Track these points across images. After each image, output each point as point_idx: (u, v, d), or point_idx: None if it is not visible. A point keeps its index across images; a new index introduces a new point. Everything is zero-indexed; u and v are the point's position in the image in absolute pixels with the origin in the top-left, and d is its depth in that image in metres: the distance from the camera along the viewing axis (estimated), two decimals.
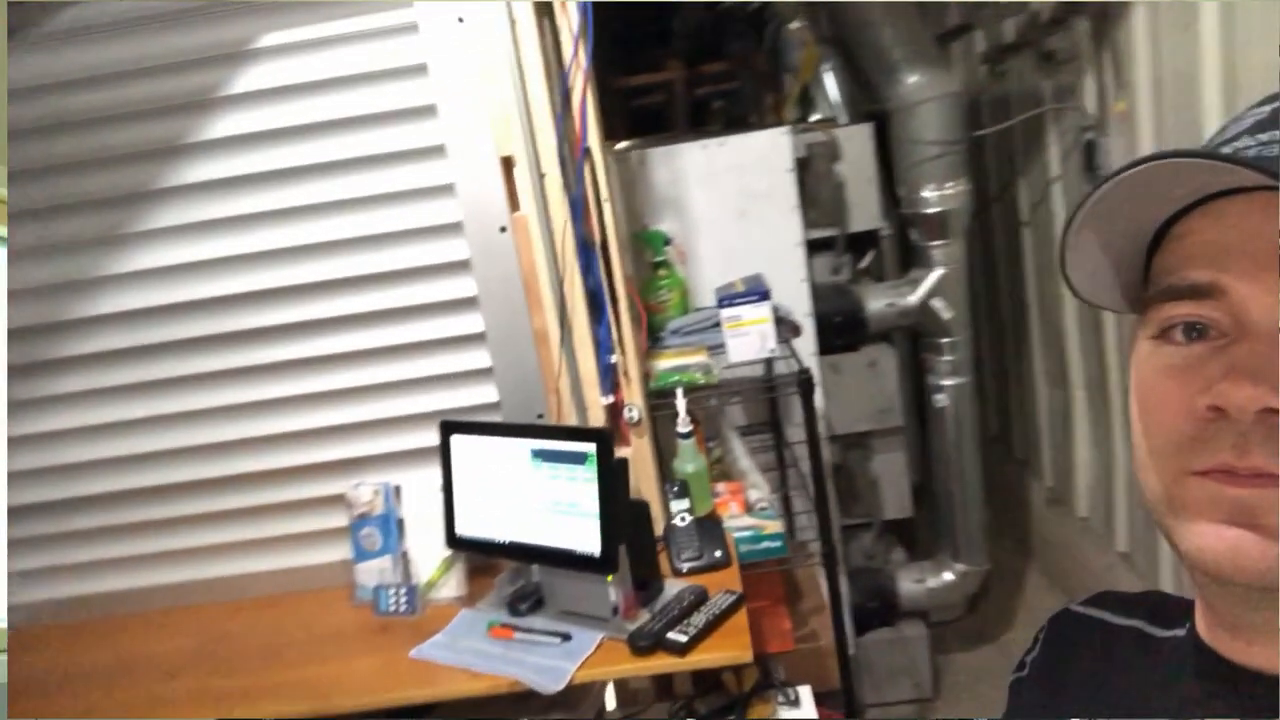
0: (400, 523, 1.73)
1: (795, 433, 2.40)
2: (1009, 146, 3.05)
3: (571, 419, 1.77)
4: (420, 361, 1.77)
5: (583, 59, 1.66)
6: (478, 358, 1.77)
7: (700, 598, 1.56)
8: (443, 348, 1.76)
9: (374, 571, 1.73)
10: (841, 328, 2.60)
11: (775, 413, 2.46)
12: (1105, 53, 2.41)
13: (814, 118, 2.84)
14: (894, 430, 2.72)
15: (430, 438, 1.68)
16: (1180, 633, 0.58)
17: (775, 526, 1.91)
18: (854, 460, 2.74)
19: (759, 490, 2.11)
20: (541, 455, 1.52)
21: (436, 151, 1.69)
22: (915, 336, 2.75)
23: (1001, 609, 3.11)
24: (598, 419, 1.78)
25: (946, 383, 2.67)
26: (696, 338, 2.14)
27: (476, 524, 1.62)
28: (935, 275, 2.59)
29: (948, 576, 2.80)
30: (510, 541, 1.58)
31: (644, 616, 1.53)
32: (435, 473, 1.67)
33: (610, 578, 1.50)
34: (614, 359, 1.77)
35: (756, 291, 2.02)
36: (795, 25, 2.90)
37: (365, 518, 1.73)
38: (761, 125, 2.75)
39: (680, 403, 1.79)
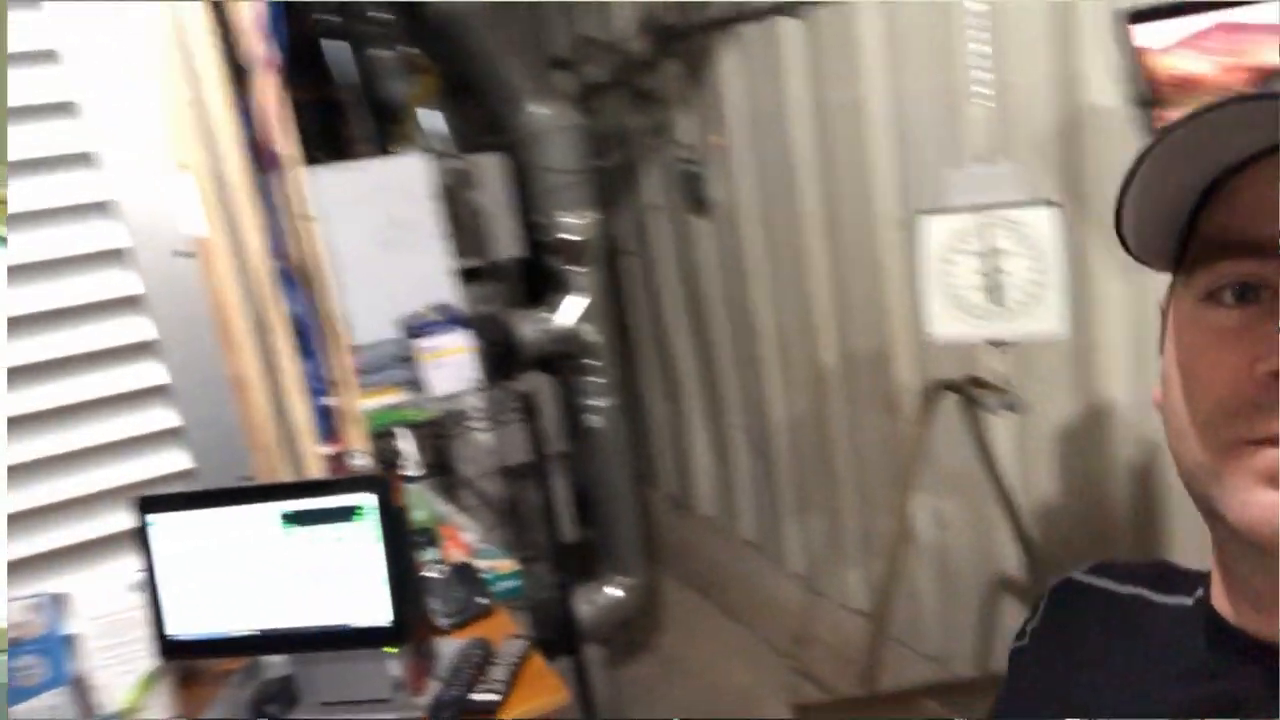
0: (71, 642, 1.29)
1: (466, 469, 2.31)
2: (617, 178, 3.24)
3: (285, 476, 1.48)
4: (85, 427, 1.34)
5: (268, 50, 1.42)
6: (161, 416, 1.39)
7: (487, 651, 1.40)
8: (114, 406, 1.36)
9: (40, 713, 1.26)
10: (496, 356, 2.54)
11: (446, 451, 2.32)
12: (699, 92, 2.70)
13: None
14: (554, 456, 2.72)
15: (105, 523, 1.28)
16: (1184, 600, 0.57)
17: (508, 565, 1.79)
18: (521, 491, 2.69)
19: (471, 531, 1.97)
20: (297, 518, 1.24)
21: (82, 160, 1.31)
22: (563, 361, 2.79)
23: (644, 617, 3.26)
24: (315, 470, 1.51)
25: (598, 404, 2.75)
26: (380, 375, 1.94)
27: (198, 621, 1.26)
28: (580, 301, 2.66)
29: (615, 593, 2.87)
30: (255, 632, 1.26)
31: (434, 686, 1.33)
32: (119, 567, 1.28)
33: (394, 649, 1.28)
34: (330, 400, 1.52)
35: (454, 319, 1.89)
36: (389, 54, 2.79)
37: (18, 644, 1.25)
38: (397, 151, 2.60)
39: (406, 443, 1.60)
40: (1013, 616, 2.12)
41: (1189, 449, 0.50)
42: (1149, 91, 1.33)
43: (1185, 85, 1.28)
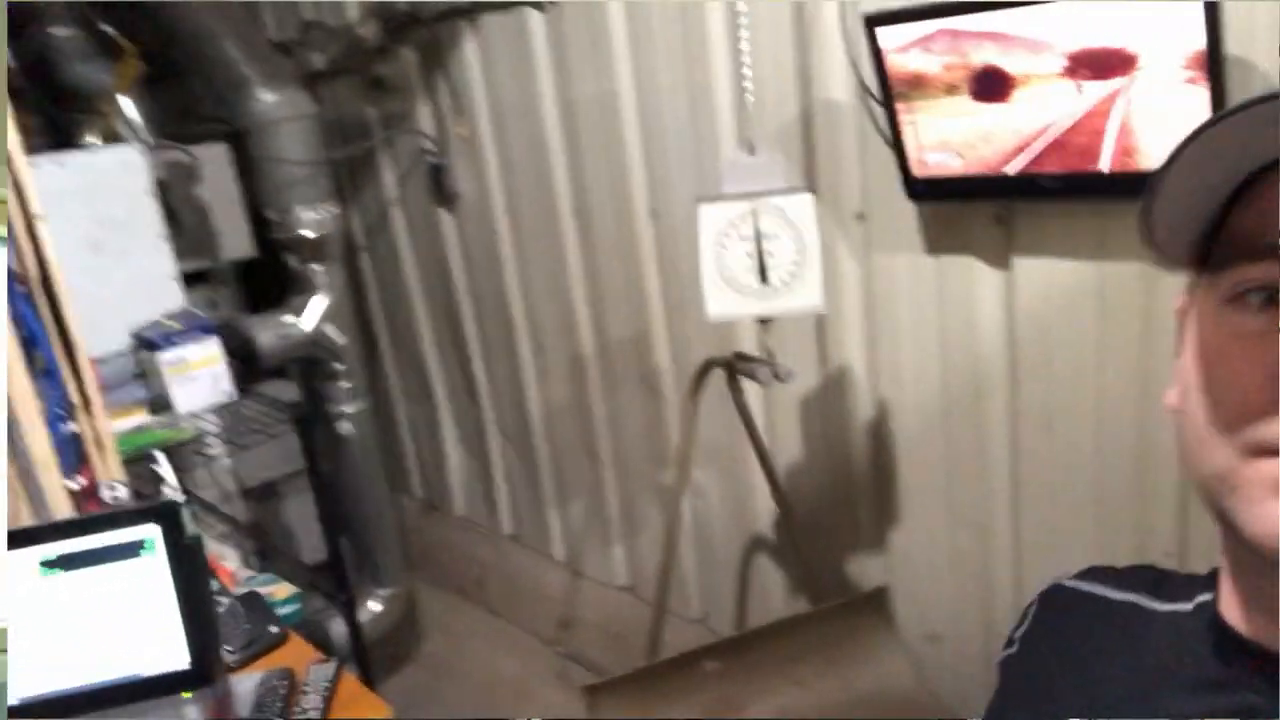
0: None
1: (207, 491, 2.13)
2: (355, 170, 3.08)
3: (26, 517, 1.28)
4: None
5: None
6: None
7: (292, 680, 1.30)
8: None
9: None
10: (234, 366, 2.35)
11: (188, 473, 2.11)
12: (440, 80, 2.65)
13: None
14: (302, 471, 2.56)
15: None
16: (1184, 607, 0.56)
17: (286, 589, 1.68)
18: (264, 513, 2.51)
19: (229, 559, 1.81)
20: (62, 563, 1.08)
21: None
22: (308, 367, 2.62)
23: (406, 627, 3.17)
24: (62, 508, 1.32)
25: (348, 409, 2.62)
26: (115, 395, 1.72)
27: None
28: (322, 301, 2.52)
29: (375, 606, 2.76)
30: (23, 701, 1.08)
31: None
32: None
33: (188, 694, 1.16)
34: (74, 427, 1.34)
35: (199, 326, 1.73)
36: (69, 32, 2.47)
37: None
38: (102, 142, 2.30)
39: (165, 468, 1.45)
40: (767, 573, 2.30)
41: (1205, 457, 0.48)
42: (887, 87, 1.50)
43: (915, 81, 1.46)
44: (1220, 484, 0.47)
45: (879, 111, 1.67)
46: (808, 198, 1.47)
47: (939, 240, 1.71)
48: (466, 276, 2.87)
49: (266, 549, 2.38)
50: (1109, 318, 1.53)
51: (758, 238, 1.49)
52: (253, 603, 1.43)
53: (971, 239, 1.66)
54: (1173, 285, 1.43)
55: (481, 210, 2.68)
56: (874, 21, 1.46)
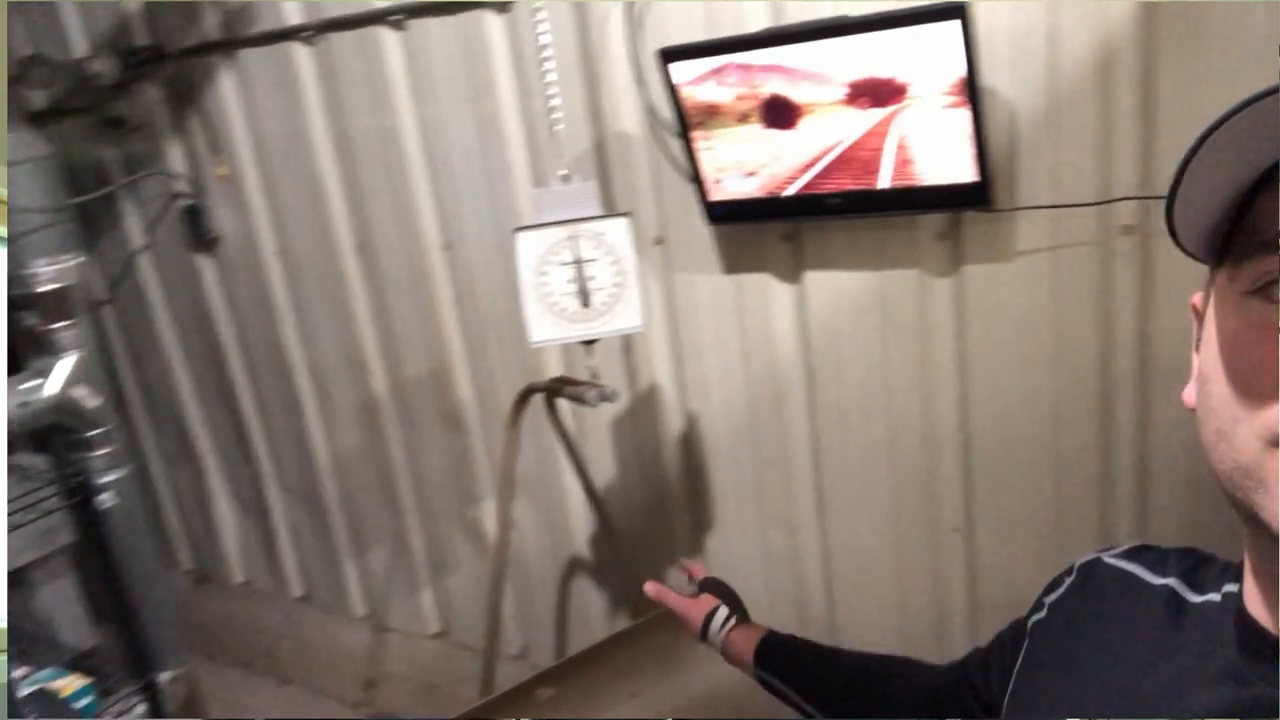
0: None
1: None
2: (98, 216, 2.78)
3: None
4: None
5: None
6: None
7: None
8: None
9: None
10: None
11: None
12: (193, 118, 2.46)
13: None
14: (60, 551, 2.26)
15: None
16: (1214, 598, 0.55)
17: (74, 682, 1.48)
18: (19, 602, 2.18)
19: None
20: None
21: None
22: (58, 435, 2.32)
23: (187, 711, 2.87)
24: None
25: (108, 479, 2.34)
26: None
27: None
28: (68, 361, 2.24)
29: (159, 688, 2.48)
30: None
31: None
32: None
33: None
34: None
35: None
36: None
37: None
38: None
39: None
40: (587, 597, 2.32)
41: (1227, 451, 0.47)
42: (682, 117, 1.59)
43: (710, 111, 1.56)
44: (1244, 478, 0.46)
45: (673, 141, 1.77)
46: (624, 222, 1.52)
47: (735, 260, 1.82)
48: (233, 324, 2.67)
49: (27, 643, 2.07)
50: (891, 322, 1.70)
51: (578, 263, 1.52)
52: (47, 701, 1.25)
53: (765, 257, 1.79)
54: (941, 289, 1.61)
55: (248, 253, 2.51)
56: (668, 56, 1.55)
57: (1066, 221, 1.49)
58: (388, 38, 2.04)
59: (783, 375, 1.85)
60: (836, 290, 1.74)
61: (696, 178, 1.65)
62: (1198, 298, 0.54)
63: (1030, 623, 0.67)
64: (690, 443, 2.02)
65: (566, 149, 1.86)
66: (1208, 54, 1.31)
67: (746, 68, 1.48)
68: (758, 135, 1.56)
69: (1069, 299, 1.53)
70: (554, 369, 2.11)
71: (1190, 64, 1.33)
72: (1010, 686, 0.66)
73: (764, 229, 1.75)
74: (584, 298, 1.52)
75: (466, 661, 2.58)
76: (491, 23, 1.90)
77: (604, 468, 2.12)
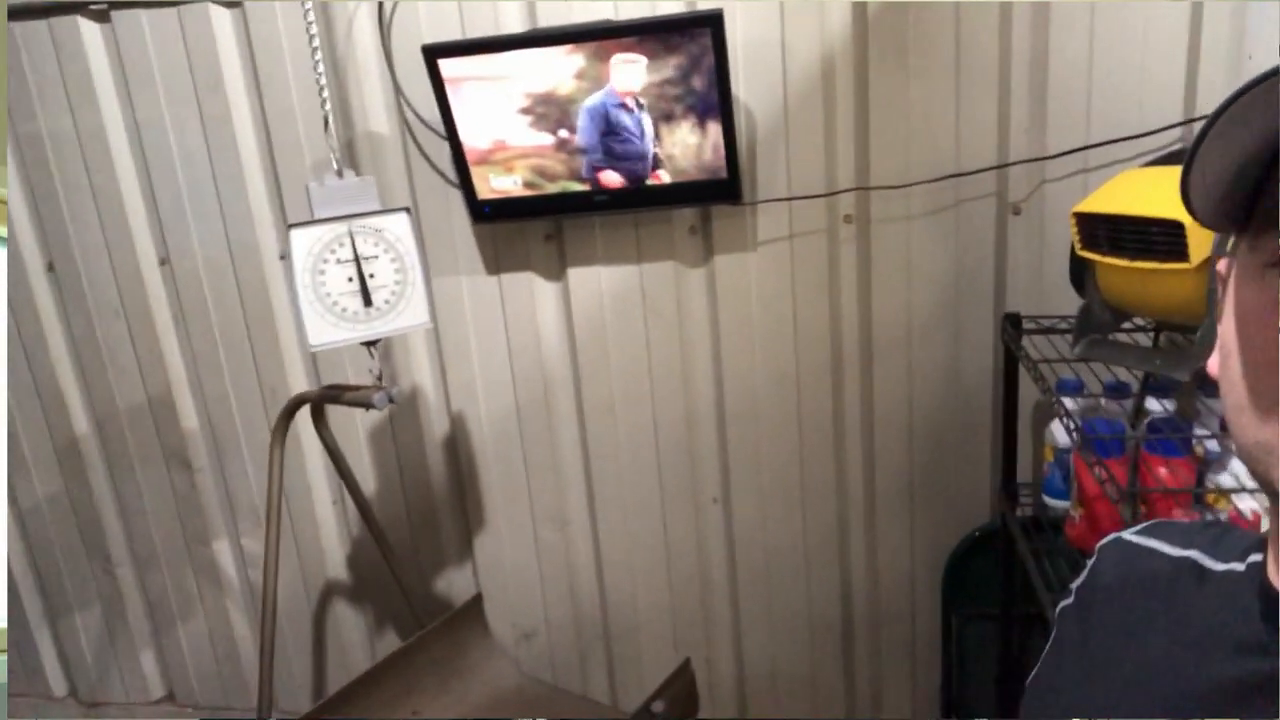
0: None
1: None
2: None
3: None
4: None
5: None
6: None
7: None
8: None
9: None
10: None
11: None
12: None
13: None
14: None
15: None
16: (1237, 567, 0.54)
17: None
18: None
19: None
20: None
21: None
22: None
23: None
24: None
25: None
26: None
27: None
28: None
29: None
30: None
31: None
32: None
33: None
34: None
35: None
36: None
37: None
38: None
39: None
40: (342, 625, 2.20)
41: (1248, 425, 0.47)
42: (449, 115, 1.60)
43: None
44: (1266, 454, 0.45)
45: (426, 140, 1.77)
46: (404, 216, 1.50)
47: (499, 260, 1.85)
48: None
49: None
50: (651, 312, 1.83)
51: (357, 260, 1.48)
52: None
53: (528, 257, 1.84)
54: (693, 278, 1.76)
55: None
56: (433, 53, 1.56)
57: (799, 212, 1.71)
58: (87, 29, 1.84)
59: (550, 372, 1.91)
60: (598, 285, 1.84)
61: (464, 176, 1.67)
62: (1223, 264, 0.52)
63: (1059, 609, 0.65)
64: (457, 446, 2.01)
65: (308, 151, 1.81)
66: (907, 65, 1.58)
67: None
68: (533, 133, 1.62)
69: (804, 280, 1.75)
70: (299, 386, 2.01)
71: (895, 75, 1.59)
72: (1033, 673, 0.64)
73: (526, 229, 1.81)
74: (365, 296, 1.48)
75: None
76: (219, 16, 1.78)
77: (365, 481, 2.04)
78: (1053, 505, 1.54)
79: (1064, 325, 1.52)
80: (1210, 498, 1.26)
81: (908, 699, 1.95)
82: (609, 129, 1.57)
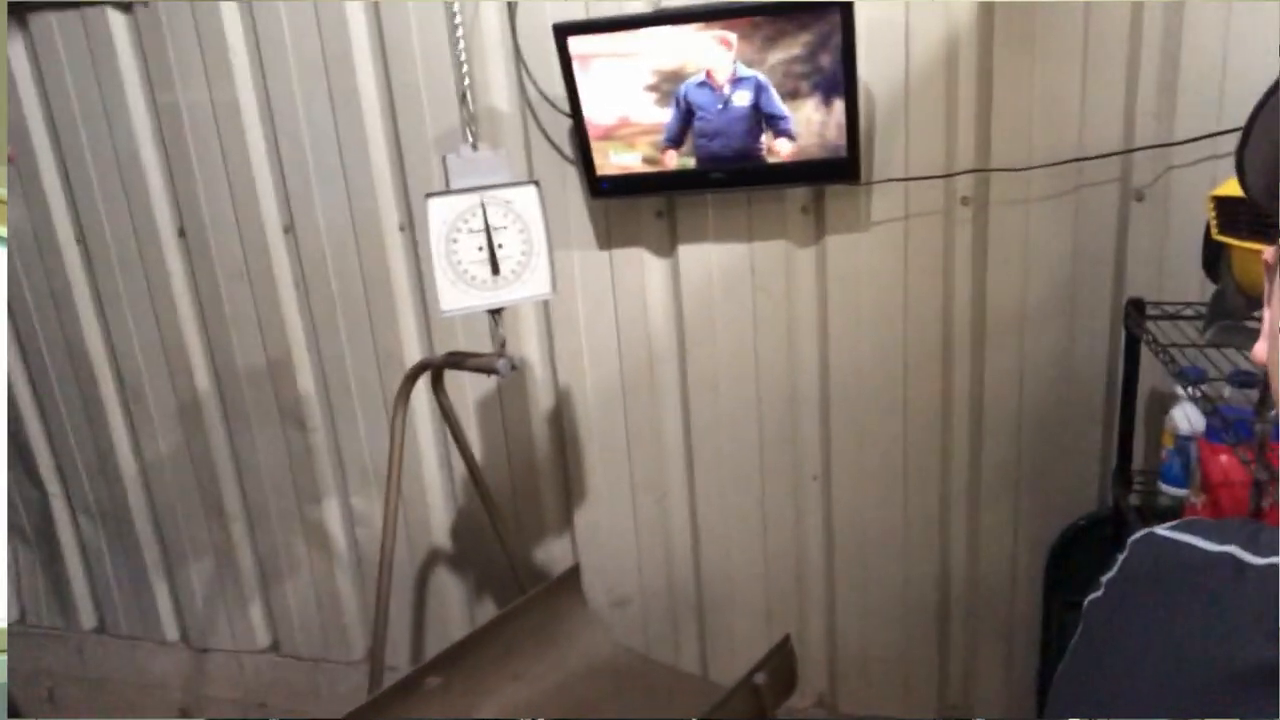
0: None
1: None
2: None
3: None
4: None
5: None
6: None
7: None
8: None
9: None
10: None
11: None
12: None
13: None
14: None
15: None
16: (1277, 560, 0.54)
17: None
18: None
19: None
20: None
21: None
22: None
23: None
24: None
25: None
26: None
27: None
28: None
29: None
30: None
31: None
32: None
33: None
34: None
35: None
36: None
37: None
38: None
39: None
40: (444, 591, 2.28)
41: None
42: (574, 91, 1.64)
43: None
44: None
45: (546, 117, 1.82)
46: (533, 190, 1.55)
47: (611, 235, 1.90)
48: (17, 322, 2.35)
49: None
50: (760, 291, 1.86)
51: (488, 230, 1.53)
52: None
53: (639, 233, 1.88)
54: (803, 257, 1.78)
55: (37, 242, 2.24)
56: (564, 31, 1.60)
57: (916, 194, 1.71)
58: (226, 8, 1.92)
59: (656, 346, 1.95)
60: (708, 263, 1.86)
61: (585, 152, 1.71)
62: (1269, 253, 0.52)
63: (1087, 603, 0.65)
64: (561, 417, 2.06)
65: (430, 128, 1.87)
66: (1033, 50, 1.58)
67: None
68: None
69: (916, 263, 1.76)
70: (413, 353, 2.08)
71: (1020, 59, 1.59)
72: (1061, 668, 0.64)
73: (639, 205, 1.85)
74: (494, 265, 1.54)
75: (300, 674, 2.45)
76: None
77: (472, 449, 2.10)
78: (1169, 493, 1.53)
79: (1188, 312, 1.51)
80: None
81: (1002, 684, 1.96)
82: (723, 109, 1.59)
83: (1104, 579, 0.63)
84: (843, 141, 1.60)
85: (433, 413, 2.09)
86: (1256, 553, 0.54)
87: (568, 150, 1.84)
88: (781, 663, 1.75)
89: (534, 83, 1.79)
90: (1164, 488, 1.54)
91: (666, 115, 1.63)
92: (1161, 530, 0.62)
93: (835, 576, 2.01)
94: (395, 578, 2.25)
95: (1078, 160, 1.62)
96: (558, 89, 1.71)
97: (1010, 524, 1.85)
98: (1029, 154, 1.64)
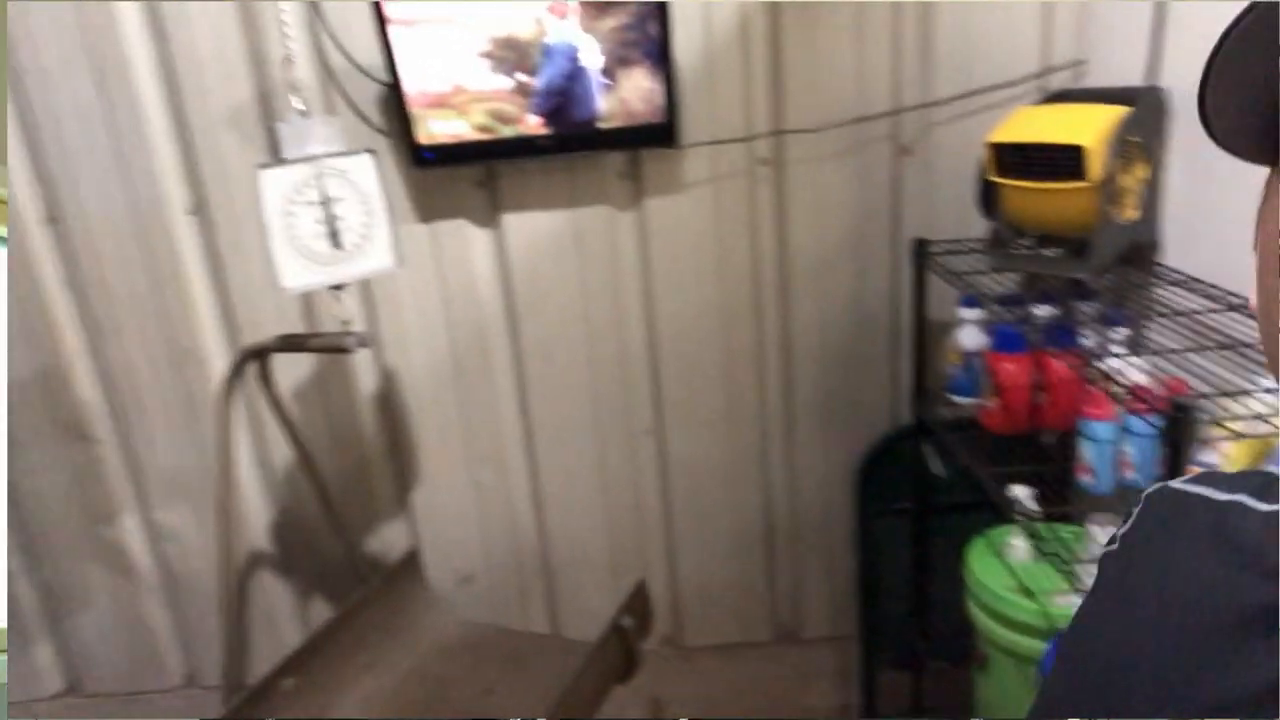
0: None
1: None
2: None
3: None
4: None
5: None
6: None
7: None
8: None
9: None
10: None
11: None
12: None
13: None
14: None
15: None
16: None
17: None
18: None
19: None
20: None
21: None
22: None
23: None
24: None
25: None
26: None
27: None
28: None
29: None
30: None
31: None
32: None
33: None
34: None
35: None
36: None
37: None
38: None
39: None
40: (269, 596, 2.15)
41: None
42: (391, 57, 1.61)
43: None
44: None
45: (352, 85, 1.76)
46: (368, 158, 1.51)
47: (430, 208, 1.88)
48: None
49: None
50: (586, 255, 1.92)
51: (325, 202, 1.48)
52: None
53: (461, 204, 1.88)
54: (625, 221, 1.87)
55: None
56: None
57: (722, 156, 1.85)
58: None
59: (485, 318, 1.96)
60: (534, 231, 1.90)
61: (407, 122, 1.69)
62: (1261, 196, 0.51)
63: (1103, 555, 0.65)
64: (389, 398, 2.01)
65: (219, 101, 1.76)
66: (815, 21, 1.76)
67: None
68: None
69: (727, 221, 1.90)
70: (214, 349, 1.94)
71: (804, 30, 1.76)
72: (1072, 618, 0.65)
73: (458, 176, 1.84)
74: (334, 239, 1.49)
75: (109, 711, 2.22)
76: None
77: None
78: (959, 402, 1.78)
79: (961, 248, 1.75)
80: (1097, 378, 1.52)
81: (827, 597, 2.17)
82: (566, 73, 1.64)
83: (1119, 533, 0.65)
84: (665, 106, 1.69)
85: (246, 407, 1.96)
86: (1264, 500, 0.55)
87: (375, 119, 1.79)
88: (639, 606, 1.84)
89: (340, 48, 1.73)
90: (954, 399, 1.79)
91: (504, 82, 1.65)
92: (1175, 483, 0.62)
93: (673, 523, 2.13)
94: (206, 593, 2.11)
95: (857, 121, 1.83)
96: (364, 55, 1.67)
97: (822, 450, 2.06)
98: (817, 116, 1.82)
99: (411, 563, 2.00)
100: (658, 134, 1.74)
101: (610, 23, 1.60)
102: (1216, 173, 1.45)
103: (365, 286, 1.92)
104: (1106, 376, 1.43)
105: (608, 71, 1.65)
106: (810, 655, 2.22)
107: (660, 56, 1.64)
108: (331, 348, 1.52)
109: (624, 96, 1.68)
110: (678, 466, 2.08)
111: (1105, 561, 0.64)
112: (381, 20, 1.58)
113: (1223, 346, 1.27)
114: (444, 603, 2.07)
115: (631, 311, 1.96)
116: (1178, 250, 1.56)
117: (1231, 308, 1.33)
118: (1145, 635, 0.54)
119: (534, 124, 1.69)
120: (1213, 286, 1.42)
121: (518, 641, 2.04)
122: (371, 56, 1.66)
